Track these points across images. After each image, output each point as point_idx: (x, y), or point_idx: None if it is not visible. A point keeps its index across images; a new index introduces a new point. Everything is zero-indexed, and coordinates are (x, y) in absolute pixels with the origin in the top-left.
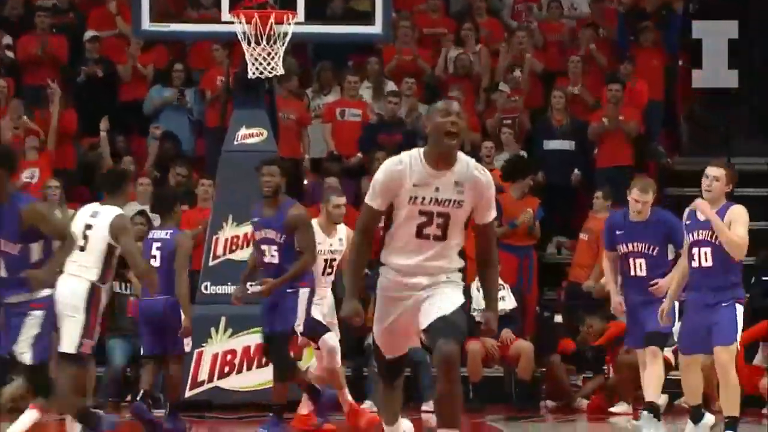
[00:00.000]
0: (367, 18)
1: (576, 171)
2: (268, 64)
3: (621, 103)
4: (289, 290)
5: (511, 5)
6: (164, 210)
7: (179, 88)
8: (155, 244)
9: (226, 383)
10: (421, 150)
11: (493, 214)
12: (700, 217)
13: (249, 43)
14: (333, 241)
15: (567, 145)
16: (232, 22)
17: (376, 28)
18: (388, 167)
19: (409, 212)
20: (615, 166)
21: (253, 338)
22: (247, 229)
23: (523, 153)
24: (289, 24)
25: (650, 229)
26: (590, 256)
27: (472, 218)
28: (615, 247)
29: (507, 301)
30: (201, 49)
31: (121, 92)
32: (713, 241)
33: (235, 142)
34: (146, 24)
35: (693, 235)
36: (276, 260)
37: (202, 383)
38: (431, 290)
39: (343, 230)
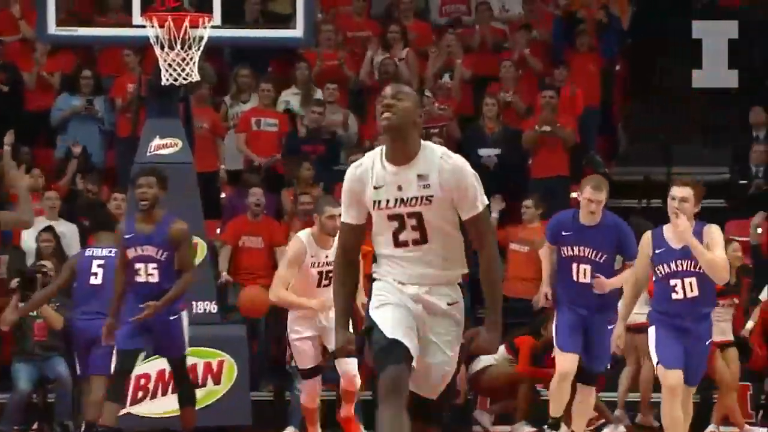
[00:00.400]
0: (288, 21)
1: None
2: (183, 70)
3: (556, 111)
4: (172, 317)
5: (438, 6)
6: (105, 228)
7: (88, 96)
8: (96, 262)
9: (138, 409)
10: (383, 147)
11: (478, 206)
12: (674, 245)
13: (162, 48)
14: (329, 252)
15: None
16: (144, 26)
17: (297, 32)
18: (348, 173)
19: (378, 219)
20: (551, 176)
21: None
22: None
23: None
24: (205, 27)
25: (601, 233)
26: (531, 268)
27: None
28: (557, 244)
29: None
30: (111, 54)
31: (26, 101)
32: (698, 270)
33: (148, 153)
34: (52, 28)
35: (670, 266)
36: (155, 279)
37: None
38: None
39: None
